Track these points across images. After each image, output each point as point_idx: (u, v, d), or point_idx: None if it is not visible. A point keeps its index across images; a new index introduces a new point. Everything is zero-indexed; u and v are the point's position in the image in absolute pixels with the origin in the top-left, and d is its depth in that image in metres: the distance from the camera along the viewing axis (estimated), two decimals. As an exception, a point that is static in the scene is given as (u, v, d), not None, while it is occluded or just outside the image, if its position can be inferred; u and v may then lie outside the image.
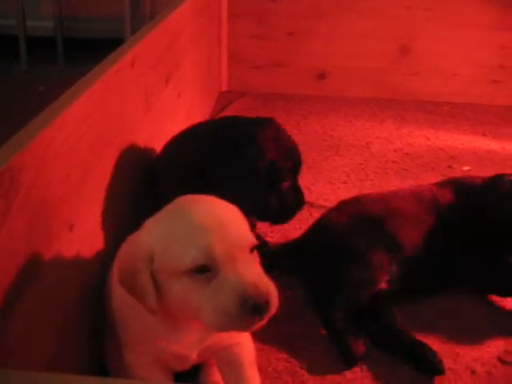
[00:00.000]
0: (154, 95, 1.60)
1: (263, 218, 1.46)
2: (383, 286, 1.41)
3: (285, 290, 1.43)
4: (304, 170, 2.10)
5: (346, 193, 1.97)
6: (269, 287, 0.91)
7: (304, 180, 2.01)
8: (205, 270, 0.90)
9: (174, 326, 1.02)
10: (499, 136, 2.46)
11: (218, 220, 0.92)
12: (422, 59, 2.73)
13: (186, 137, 1.48)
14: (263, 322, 0.92)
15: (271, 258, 1.58)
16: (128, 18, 3.06)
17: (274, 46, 2.74)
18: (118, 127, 1.31)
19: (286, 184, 1.39)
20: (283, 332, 1.37)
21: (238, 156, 1.33)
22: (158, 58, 1.64)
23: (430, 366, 1.28)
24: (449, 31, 2.68)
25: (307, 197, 1.90)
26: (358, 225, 1.46)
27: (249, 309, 0.87)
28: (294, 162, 1.41)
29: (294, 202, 1.42)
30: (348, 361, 1.29)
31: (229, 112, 2.58)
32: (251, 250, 0.95)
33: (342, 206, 1.58)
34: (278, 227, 1.78)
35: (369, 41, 2.71)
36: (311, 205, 1.88)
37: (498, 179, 1.54)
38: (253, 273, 0.91)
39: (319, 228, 1.55)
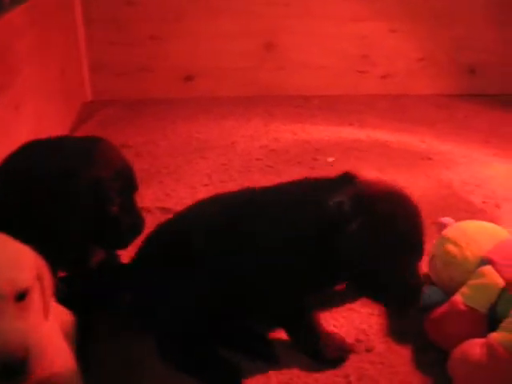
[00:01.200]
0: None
1: (99, 244, 1.34)
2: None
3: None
4: (165, 176, 2.08)
5: (206, 196, 1.91)
6: (27, 342, 0.81)
7: (164, 186, 1.98)
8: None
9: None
10: (365, 125, 2.49)
11: None
12: (288, 54, 2.73)
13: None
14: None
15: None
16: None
17: (137, 50, 2.66)
18: None
19: (115, 207, 1.26)
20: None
21: (61, 182, 1.22)
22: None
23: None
24: (311, 25, 2.69)
25: (165, 203, 1.88)
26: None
27: None
28: (124, 182, 1.29)
29: (128, 226, 1.29)
30: None
31: (93, 123, 2.48)
32: (18, 298, 0.84)
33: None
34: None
35: (233, 40, 2.68)
36: (168, 211, 1.81)
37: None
38: (5, 328, 0.79)
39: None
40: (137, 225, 1.32)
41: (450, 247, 1.37)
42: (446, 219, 1.48)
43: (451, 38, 2.77)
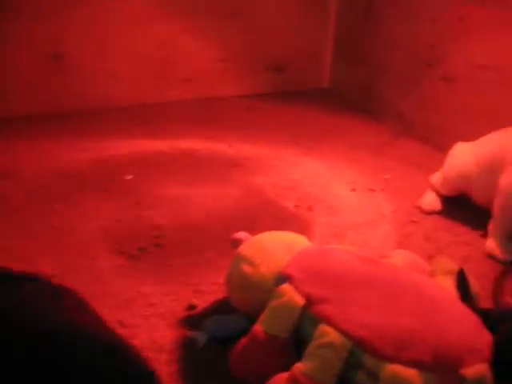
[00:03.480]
0: None
1: None
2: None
3: None
4: None
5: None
6: None
7: None
8: None
9: None
10: (168, 134, 2.24)
11: None
12: (79, 64, 2.41)
13: None
14: None
15: None
16: None
17: None
18: None
19: None
20: None
21: None
22: None
23: None
24: (103, 30, 2.39)
25: None
26: None
27: None
28: None
29: None
30: None
31: None
32: None
33: None
34: None
35: (15, 49, 2.30)
36: None
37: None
38: None
39: None
40: None
41: (245, 267, 1.18)
42: (240, 234, 1.29)
43: (253, 35, 2.65)
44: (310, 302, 1.07)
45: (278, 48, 2.74)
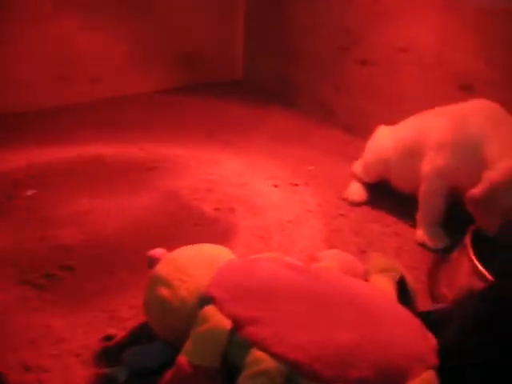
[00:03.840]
0: None
1: None
2: None
3: None
4: None
5: None
6: None
7: None
8: None
9: None
10: (75, 140, 2.05)
11: None
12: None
13: None
14: None
15: None
16: None
17: None
18: None
19: None
20: None
21: None
22: None
23: None
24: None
25: None
26: None
27: None
28: None
29: None
30: None
31: None
32: None
33: None
34: None
35: None
36: None
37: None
38: None
39: None
40: None
41: (162, 290, 1.05)
42: (157, 251, 1.15)
43: (161, 27, 2.51)
44: (237, 324, 0.96)
45: (187, 40, 2.61)
